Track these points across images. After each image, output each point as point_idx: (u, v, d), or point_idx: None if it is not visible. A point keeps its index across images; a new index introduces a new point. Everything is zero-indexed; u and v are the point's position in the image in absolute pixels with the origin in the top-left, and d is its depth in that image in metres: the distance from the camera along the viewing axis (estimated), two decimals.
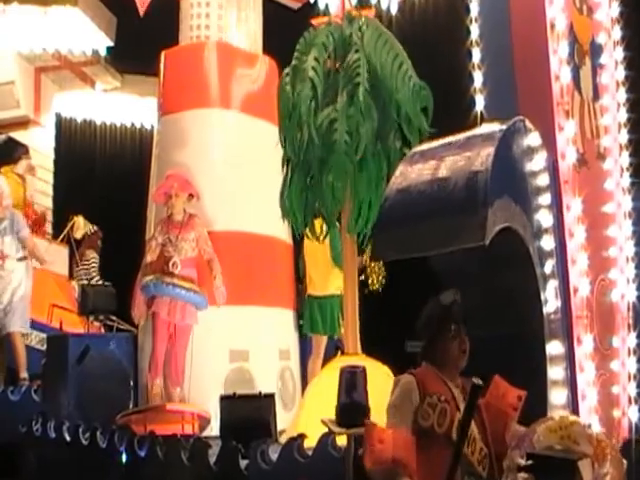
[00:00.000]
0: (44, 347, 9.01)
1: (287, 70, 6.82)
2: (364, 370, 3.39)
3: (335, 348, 8.29)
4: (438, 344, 3.49)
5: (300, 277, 8.37)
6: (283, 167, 6.73)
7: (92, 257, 10.81)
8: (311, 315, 7.99)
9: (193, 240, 7.41)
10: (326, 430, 4.62)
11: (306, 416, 6.20)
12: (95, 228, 11.07)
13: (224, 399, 5.72)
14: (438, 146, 4.35)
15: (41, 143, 12.03)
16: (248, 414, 5.36)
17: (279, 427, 6.26)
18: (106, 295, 8.46)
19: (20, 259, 8.10)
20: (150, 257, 7.39)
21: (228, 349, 7.83)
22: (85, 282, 10.12)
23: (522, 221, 4.27)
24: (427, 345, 3.53)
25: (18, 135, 11.34)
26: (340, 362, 7.09)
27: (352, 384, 3.34)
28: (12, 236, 8.06)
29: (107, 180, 12.76)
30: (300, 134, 6.44)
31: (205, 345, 7.48)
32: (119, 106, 12.79)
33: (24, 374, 8.09)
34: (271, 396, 5.93)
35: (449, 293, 3.50)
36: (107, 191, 12.66)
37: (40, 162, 11.82)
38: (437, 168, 3.99)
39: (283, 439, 5.70)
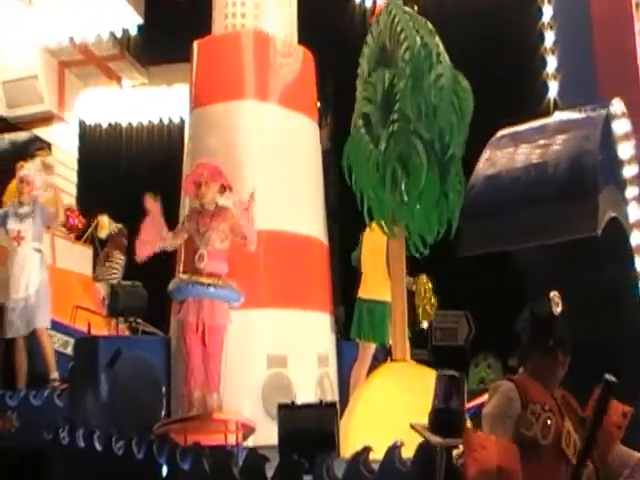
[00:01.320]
0: (67, 350, 8.64)
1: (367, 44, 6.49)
2: (463, 376, 3.01)
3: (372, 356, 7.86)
4: (533, 355, 3.16)
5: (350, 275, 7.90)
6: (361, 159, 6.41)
7: (118, 258, 10.41)
8: (360, 320, 7.51)
9: (222, 231, 6.80)
10: (390, 444, 4.23)
11: (357, 426, 5.77)
12: (120, 226, 10.65)
13: (283, 408, 5.28)
14: (529, 129, 3.93)
15: (65, 140, 11.69)
16: (310, 425, 4.92)
17: None
18: (137, 296, 8.01)
19: (36, 250, 7.83)
20: (175, 241, 6.85)
21: (266, 354, 7.40)
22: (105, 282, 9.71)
23: (624, 212, 3.84)
24: (523, 354, 3.20)
25: (42, 132, 11.04)
26: (389, 369, 6.71)
27: (450, 390, 2.97)
28: (33, 224, 7.82)
29: (133, 178, 12.29)
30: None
31: (241, 350, 7.05)
32: (146, 102, 12.37)
33: (54, 374, 7.71)
34: (333, 405, 5.49)
35: (546, 302, 3.12)
36: (133, 189, 12.21)
37: (63, 160, 11.47)
38: (531, 152, 3.55)
39: None
